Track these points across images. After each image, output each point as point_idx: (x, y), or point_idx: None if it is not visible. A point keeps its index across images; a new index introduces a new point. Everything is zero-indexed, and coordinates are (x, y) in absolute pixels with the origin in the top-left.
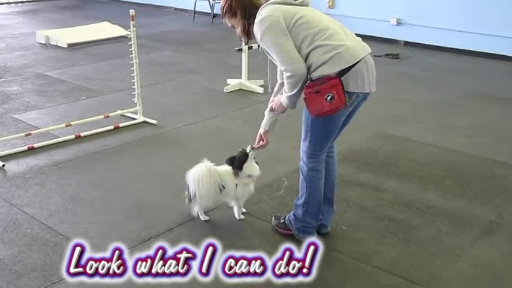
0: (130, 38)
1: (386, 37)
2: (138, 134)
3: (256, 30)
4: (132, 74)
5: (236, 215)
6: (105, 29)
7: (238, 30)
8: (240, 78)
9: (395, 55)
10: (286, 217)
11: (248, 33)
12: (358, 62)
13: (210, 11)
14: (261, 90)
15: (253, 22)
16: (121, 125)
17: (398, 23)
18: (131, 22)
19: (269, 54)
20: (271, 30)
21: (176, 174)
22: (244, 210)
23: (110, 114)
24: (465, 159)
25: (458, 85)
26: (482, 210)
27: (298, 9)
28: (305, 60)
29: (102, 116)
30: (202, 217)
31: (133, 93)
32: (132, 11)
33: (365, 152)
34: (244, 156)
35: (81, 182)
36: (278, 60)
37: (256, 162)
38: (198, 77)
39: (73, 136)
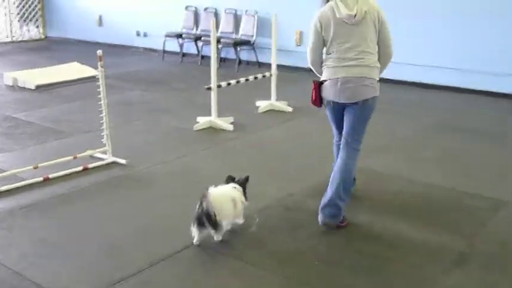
0: (99, 78)
1: None
2: (107, 175)
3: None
4: (101, 115)
5: (217, 238)
6: (74, 70)
7: None
8: (210, 116)
9: None
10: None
11: None
12: (330, 79)
13: (179, 50)
14: (230, 127)
15: None
16: (90, 165)
17: None
18: (99, 63)
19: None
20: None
21: (146, 214)
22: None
23: (79, 155)
24: (435, 190)
25: (423, 118)
26: (453, 241)
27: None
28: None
29: (71, 157)
30: (218, 237)
31: (102, 133)
32: (99, 52)
33: None
34: (247, 177)
35: (49, 225)
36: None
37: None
38: (168, 116)
39: (41, 178)
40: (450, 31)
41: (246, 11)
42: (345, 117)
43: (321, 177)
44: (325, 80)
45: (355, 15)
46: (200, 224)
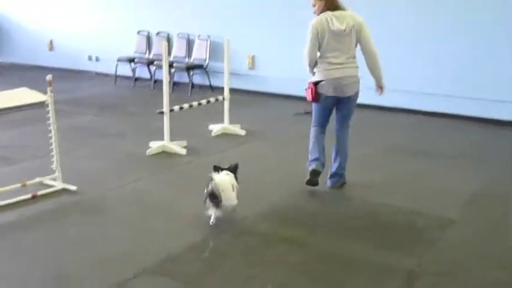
0: (48, 103)
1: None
2: (57, 202)
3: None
4: (51, 140)
5: (214, 219)
6: (23, 95)
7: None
8: (163, 140)
9: None
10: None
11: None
12: (326, 79)
13: (131, 75)
14: (184, 151)
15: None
16: (39, 193)
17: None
18: (48, 88)
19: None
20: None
21: (97, 241)
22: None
23: (28, 183)
24: (384, 210)
25: (376, 140)
26: (403, 261)
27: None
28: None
29: (19, 185)
30: (214, 219)
31: (52, 159)
32: (49, 77)
33: (289, 208)
34: (237, 164)
35: None
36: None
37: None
38: (120, 140)
39: None
40: (412, 55)
41: (199, 36)
42: (337, 109)
43: (274, 200)
44: (321, 80)
45: (345, 29)
46: (213, 201)
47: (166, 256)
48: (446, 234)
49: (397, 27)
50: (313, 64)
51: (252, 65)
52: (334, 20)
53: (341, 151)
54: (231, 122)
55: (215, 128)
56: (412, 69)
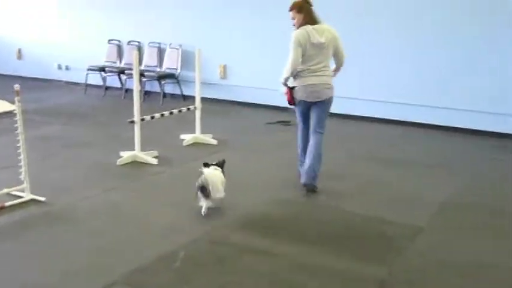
0: (16, 113)
1: (278, 105)
2: (25, 213)
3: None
4: (19, 151)
5: (205, 209)
6: None
7: (296, 22)
8: (134, 150)
9: (287, 122)
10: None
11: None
12: (302, 85)
13: (102, 84)
14: (155, 161)
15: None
16: (6, 204)
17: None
18: (16, 97)
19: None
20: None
21: (66, 252)
22: None
23: None
24: (355, 218)
25: (347, 149)
26: (374, 269)
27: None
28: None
29: None
30: (205, 210)
31: (19, 170)
32: (17, 86)
33: (260, 218)
34: (224, 160)
35: None
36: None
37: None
38: (90, 150)
39: None
40: (384, 65)
41: (170, 45)
42: (312, 113)
43: (246, 209)
44: (295, 86)
45: (324, 42)
46: (203, 193)
47: (137, 267)
48: (416, 243)
49: (380, 41)
50: (295, 72)
51: (224, 75)
52: (315, 33)
53: (315, 152)
54: (203, 131)
55: (187, 138)
56: (392, 81)
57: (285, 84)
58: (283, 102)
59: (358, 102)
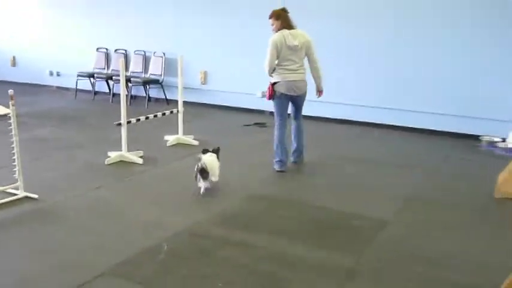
0: (10, 116)
1: (254, 108)
2: (19, 210)
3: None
4: (13, 151)
5: (203, 189)
6: None
7: (275, 27)
8: (121, 150)
9: (263, 124)
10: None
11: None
12: (283, 81)
13: (91, 89)
14: (140, 161)
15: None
16: (1, 201)
17: (264, 95)
18: (10, 101)
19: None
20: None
21: (57, 246)
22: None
23: None
24: (326, 213)
25: (317, 148)
26: (344, 258)
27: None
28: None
29: None
30: (203, 190)
31: (14, 169)
32: (11, 91)
33: (239, 213)
34: (218, 147)
35: None
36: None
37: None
38: (80, 151)
39: None
40: (353, 71)
41: (154, 53)
42: (292, 103)
43: (225, 206)
44: (278, 81)
45: (298, 45)
46: (202, 176)
47: (124, 259)
48: (381, 235)
49: (345, 48)
50: (272, 70)
51: (204, 80)
52: (290, 37)
53: (299, 132)
54: (185, 133)
55: (170, 139)
56: (361, 85)
57: (271, 76)
58: (260, 106)
59: (324, 105)
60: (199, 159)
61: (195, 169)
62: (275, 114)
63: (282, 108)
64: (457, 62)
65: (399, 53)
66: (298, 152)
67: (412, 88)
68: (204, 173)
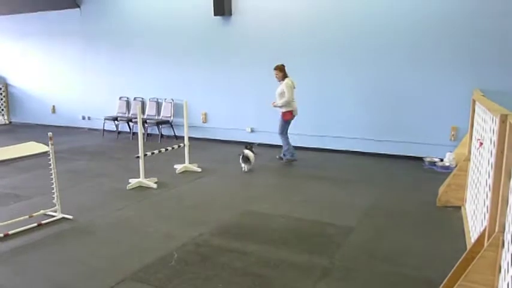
0: (49, 153)
1: (245, 141)
2: (57, 228)
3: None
4: (52, 181)
5: (247, 169)
6: (30, 147)
7: (279, 76)
8: (139, 177)
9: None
10: (283, 155)
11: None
12: (294, 109)
13: (115, 129)
14: (155, 185)
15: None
16: (43, 222)
17: (253, 131)
18: (49, 141)
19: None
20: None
21: (87, 256)
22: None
23: (34, 214)
24: (304, 223)
25: (295, 171)
26: (319, 260)
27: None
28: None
29: (27, 216)
30: (246, 169)
31: (53, 195)
32: (50, 133)
33: (234, 225)
34: (250, 145)
35: (6, 272)
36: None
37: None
38: (106, 179)
39: (1, 234)
40: (322, 106)
41: (165, 99)
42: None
43: (223, 220)
44: (291, 110)
45: (295, 87)
46: (245, 160)
47: (142, 266)
48: (349, 239)
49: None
50: (289, 103)
51: (205, 120)
52: (292, 83)
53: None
54: (191, 162)
55: (179, 167)
56: (328, 118)
57: (280, 107)
58: (249, 139)
59: (300, 137)
60: (243, 152)
61: (240, 157)
62: (284, 129)
63: (288, 126)
64: (407, 103)
65: (361, 95)
66: (293, 154)
67: (371, 121)
68: (247, 159)
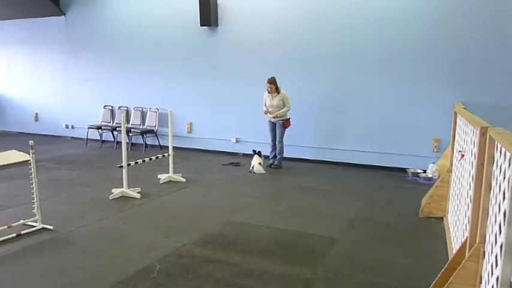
0: (31, 162)
1: (230, 151)
2: (37, 239)
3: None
4: (32, 190)
5: (256, 170)
6: (11, 156)
7: (273, 89)
8: (122, 187)
9: (237, 163)
10: (276, 161)
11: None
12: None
13: (99, 138)
14: (138, 195)
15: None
16: (22, 232)
17: (237, 141)
18: (31, 150)
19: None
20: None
21: (69, 268)
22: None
23: (13, 224)
24: (287, 234)
25: (279, 182)
26: (302, 270)
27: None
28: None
29: (5, 226)
30: (254, 171)
31: (33, 205)
32: (31, 142)
33: (217, 235)
34: (259, 151)
35: None
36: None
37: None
38: (89, 188)
39: None
40: (313, 122)
41: (150, 108)
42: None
43: (206, 230)
44: (289, 118)
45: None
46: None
47: (123, 278)
48: (333, 250)
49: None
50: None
51: (190, 129)
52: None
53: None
54: (175, 172)
55: (163, 177)
56: (309, 129)
57: (281, 117)
58: (234, 149)
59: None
60: (253, 154)
61: (252, 162)
62: (283, 135)
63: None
64: (391, 115)
65: (343, 106)
66: (279, 159)
67: (354, 133)
68: (260, 154)
